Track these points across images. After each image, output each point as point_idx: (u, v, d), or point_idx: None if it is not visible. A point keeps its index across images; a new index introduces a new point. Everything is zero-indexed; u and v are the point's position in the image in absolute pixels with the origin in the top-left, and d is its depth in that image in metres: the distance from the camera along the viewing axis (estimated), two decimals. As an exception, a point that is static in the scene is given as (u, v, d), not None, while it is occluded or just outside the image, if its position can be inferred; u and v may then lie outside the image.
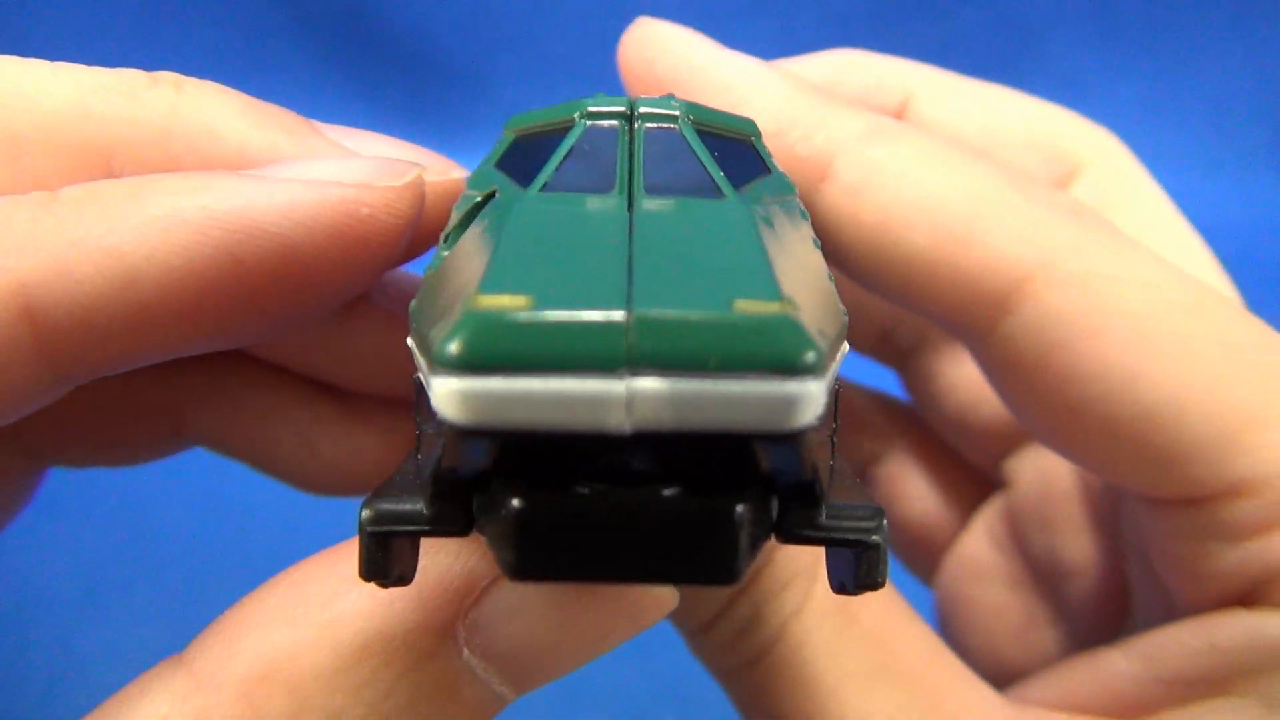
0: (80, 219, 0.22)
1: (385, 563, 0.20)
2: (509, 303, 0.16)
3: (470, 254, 0.21)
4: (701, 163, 0.25)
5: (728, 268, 0.19)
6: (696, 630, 0.31)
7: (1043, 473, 0.40)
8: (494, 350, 0.16)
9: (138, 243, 0.22)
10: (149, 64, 0.31)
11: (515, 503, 0.17)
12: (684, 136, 0.26)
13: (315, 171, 0.26)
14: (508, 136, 0.27)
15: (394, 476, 0.22)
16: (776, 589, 0.29)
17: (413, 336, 0.21)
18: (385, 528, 0.19)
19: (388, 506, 0.19)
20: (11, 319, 0.22)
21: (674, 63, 0.35)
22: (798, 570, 0.30)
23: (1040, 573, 0.40)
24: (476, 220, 0.23)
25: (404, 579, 0.21)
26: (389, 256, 0.28)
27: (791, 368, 0.16)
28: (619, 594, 0.27)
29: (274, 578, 0.26)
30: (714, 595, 0.30)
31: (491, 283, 0.17)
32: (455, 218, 0.25)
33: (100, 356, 0.24)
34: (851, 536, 0.19)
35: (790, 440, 0.17)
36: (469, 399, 0.16)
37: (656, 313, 0.16)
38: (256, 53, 1.02)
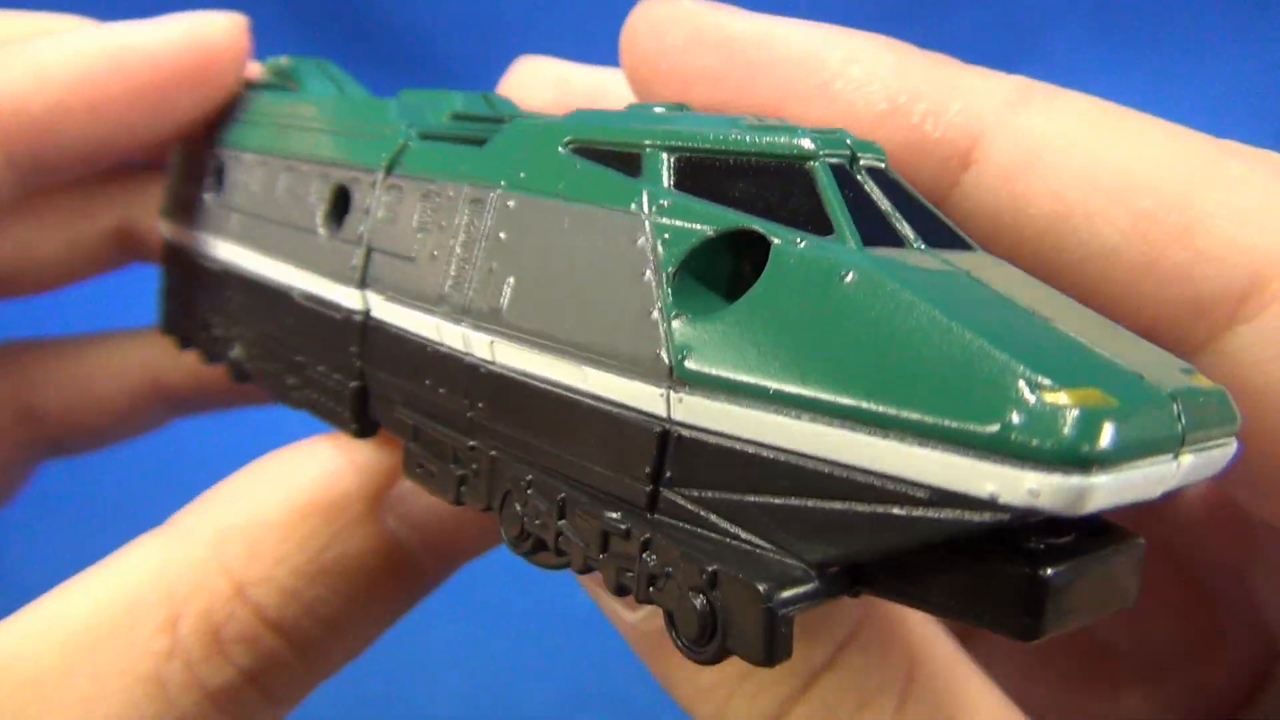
0: (18, 50, 0.32)
1: (790, 638, 0.22)
2: (1100, 400, 0.18)
3: (879, 315, 0.21)
4: (930, 210, 0.26)
5: (1122, 341, 0.22)
6: None
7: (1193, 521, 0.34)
8: (1122, 445, 0.18)
9: (54, 59, 0.32)
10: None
11: (1050, 573, 0.21)
12: (898, 180, 0.26)
13: (172, 18, 0.35)
14: (655, 154, 0.26)
15: (729, 559, 0.23)
16: (851, 706, 0.25)
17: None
18: (792, 609, 0.22)
19: (791, 594, 0.22)
20: None
21: (719, 43, 0.29)
22: (881, 683, 0.25)
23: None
24: (779, 272, 0.23)
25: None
26: (232, 74, 0.38)
27: (1234, 428, 0.21)
28: None
29: (248, 464, 0.31)
30: (768, 694, 0.26)
31: (1062, 377, 0.19)
32: (674, 251, 0.24)
33: (38, 146, 0.33)
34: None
35: None
36: (1096, 492, 0.18)
37: (1194, 401, 0.20)
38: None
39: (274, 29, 1.05)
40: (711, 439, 0.23)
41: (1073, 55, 1.14)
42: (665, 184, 0.25)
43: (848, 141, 0.25)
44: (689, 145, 0.26)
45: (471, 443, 0.30)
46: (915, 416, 0.19)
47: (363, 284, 0.34)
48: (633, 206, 0.25)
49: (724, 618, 0.23)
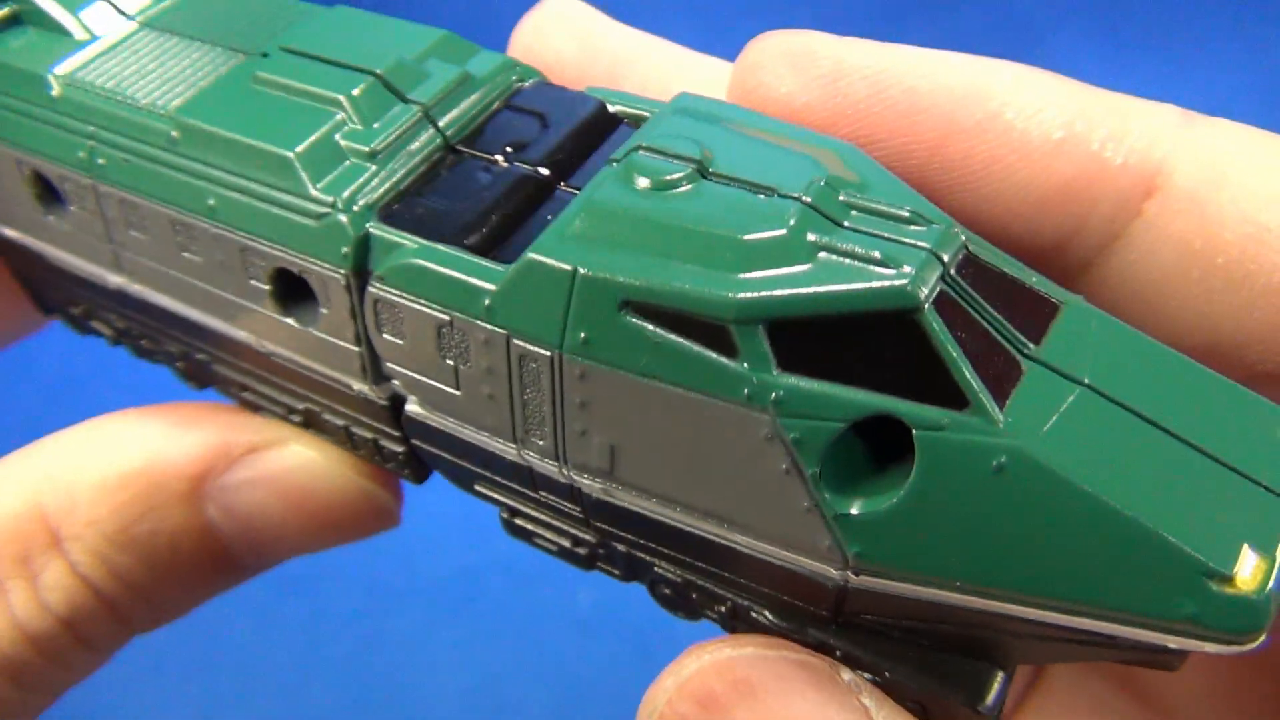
0: None
1: None
2: (1264, 572, 0.21)
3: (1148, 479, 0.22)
4: (1014, 279, 0.25)
5: (1245, 424, 0.24)
6: None
7: None
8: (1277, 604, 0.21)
9: None
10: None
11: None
12: (983, 262, 0.24)
13: None
14: (747, 331, 0.23)
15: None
16: None
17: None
18: (999, 708, 0.26)
19: (995, 695, 0.26)
20: None
21: (868, 76, 0.26)
22: None
23: None
24: (931, 464, 0.23)
25: None
26: None
27: None
28: (351, 501, 0.32)
29: (86, 421, 0.31)
30: None
31: (1228, 555, 0.21)
32: (810, 450, 0.23)
33: None
34: None
35: None
36: (1258, 644, 0.21)
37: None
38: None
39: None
40: (893, 592, 0.25)
41: (1074, 56, 1.14)
42: (770, 364, 0.23)
43: (929, 246, 0.22)
44: (781, 315, 0.23)
45: (592, 537, 0.30)
46: (1108, 602, 0.22)
47: (378, 380, 0.30)
48: (746, 397, 0.23)
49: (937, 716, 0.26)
